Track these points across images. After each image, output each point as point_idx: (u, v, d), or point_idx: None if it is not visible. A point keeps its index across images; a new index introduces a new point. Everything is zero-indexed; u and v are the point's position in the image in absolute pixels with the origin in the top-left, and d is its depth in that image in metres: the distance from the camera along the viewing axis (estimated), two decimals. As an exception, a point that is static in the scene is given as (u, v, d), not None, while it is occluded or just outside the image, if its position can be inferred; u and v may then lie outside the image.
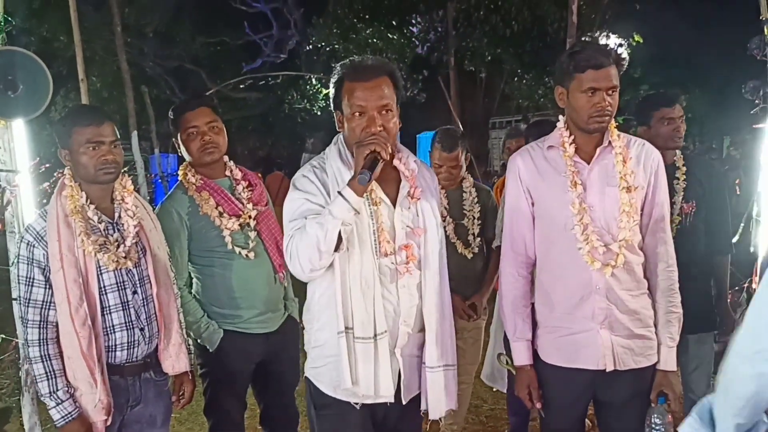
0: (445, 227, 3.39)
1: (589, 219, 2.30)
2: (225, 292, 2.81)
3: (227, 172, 2.94)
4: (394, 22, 15.90)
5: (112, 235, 2.41)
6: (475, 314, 3.47)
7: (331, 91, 2.19)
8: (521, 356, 2.46)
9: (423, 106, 16.12)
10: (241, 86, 17.73)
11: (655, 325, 2.37)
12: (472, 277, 3.55)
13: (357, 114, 2.11)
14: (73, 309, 2.27)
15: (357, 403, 2.16)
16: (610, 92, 2.25)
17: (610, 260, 2.29)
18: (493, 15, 15.43)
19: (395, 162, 2.21)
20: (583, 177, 2.33)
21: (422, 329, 2.21)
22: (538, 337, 2.46)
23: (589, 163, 2.33)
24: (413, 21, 16.34)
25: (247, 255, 2.79)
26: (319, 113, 17.34)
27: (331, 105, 2.22)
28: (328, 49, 15.90)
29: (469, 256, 3.51)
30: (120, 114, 11.52)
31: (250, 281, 2.81)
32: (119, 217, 2.45)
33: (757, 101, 5.02)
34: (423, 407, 2.26)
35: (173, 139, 2.92)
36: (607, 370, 2.32)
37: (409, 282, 2.17)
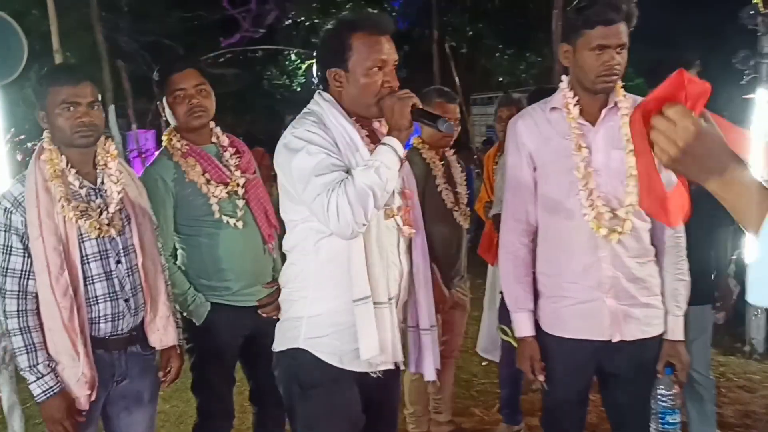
0: (441, 192, 3.31)
1: (594, 183, 2.21)
2: (212, 263, 2.70)
3: (214, 139, 2.81)
4: (374, -3, 15.72)
5: (94, 201, 2.28)
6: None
7: (327, 46, 2.06)
8: (523, 327, 2.38)
9: (403, 81, 15.96)
10: (219, 60, 17.44)
11: (662, 294, 2.30)
12: (463, 249, 3.50)
13: (375, 68, 1.98)
14: (54, 278, 2.14)
15: (375, 373, 2.09)
16: (619, 50, 2.15)
17: (616, 226, 2.20)
18: (475, -11, 15.33)
19: (376, 125, 2.15)
20: (588, 140, 2.23)
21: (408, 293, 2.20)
22: (540, 307, 2.38)
23: (594, 125, 2.24)
24: (394, -5, 16.15)
25: (235, 224, 2.67)
26: (298, 89, 17.14)
27: (320, 62, 2.09)
28: (307, 23, 15.68)
29: (466, 225, 3.44)
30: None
31: (238, 252, 2.70)
32: (102, 182, 2.32)
33: (747, 72, 5.00)
34: (414, 370, 2.27)
35: (157, 103, 2.78)
36: (614, 341, 2.25)
37: (404, 246, 2.13)
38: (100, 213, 2.27)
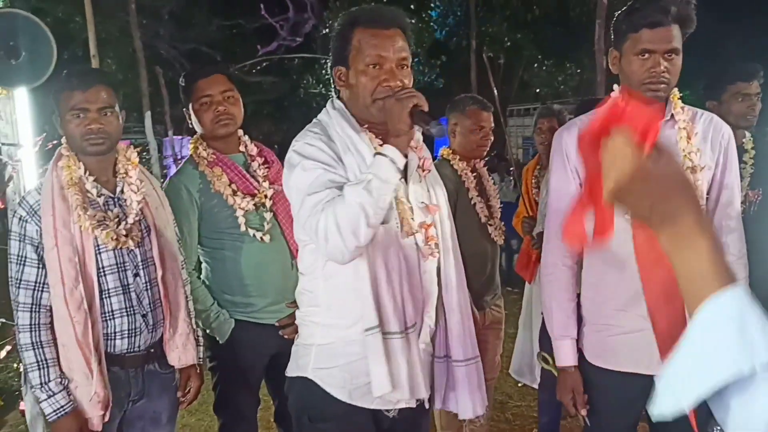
0: (474, 205, 3.15)
1: None
2: (236, 279, 2.56)
3: (242, 147, 2.68)
4: (412, 6, 15.69)
5: (112, 211, 2.18)
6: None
7: (334, 43, 1.89)
8: (565, 356, 2.20)
9: (440, 92, 15.83)
10: (254, 70, 17.54)
11: None
12: (497, 265, 3.33)
13: (372, 66, 1.81)
14: (68, 291, 2.04)
15: (389, 411, 1.89)
16: (668, 55, 1.96)
17: None
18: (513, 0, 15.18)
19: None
20: None
21: (437, 321, 1.97)
22: (584, 335, 2.20)
23: None
24: (432, 5, 16.08)
25: (261, 238, 2.54)
26: (335, 98, 17.12)
27: (331, 62, 1.93)
28: (344, 32, 15.67)
29: (500, 240, 3.28)
30: (134, 95, 11.37)
31: (264, 267, 2.56)
32: (121, 191, 2.22)
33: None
34: (450, 408, 2.02)
35: (184, 110, 2.66)
36: None
37: (430, 267, 1.91)
38: (118, 223, 2.16)
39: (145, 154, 10.20)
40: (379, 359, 1.77)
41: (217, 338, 2.56)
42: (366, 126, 1.88)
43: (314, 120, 1.94)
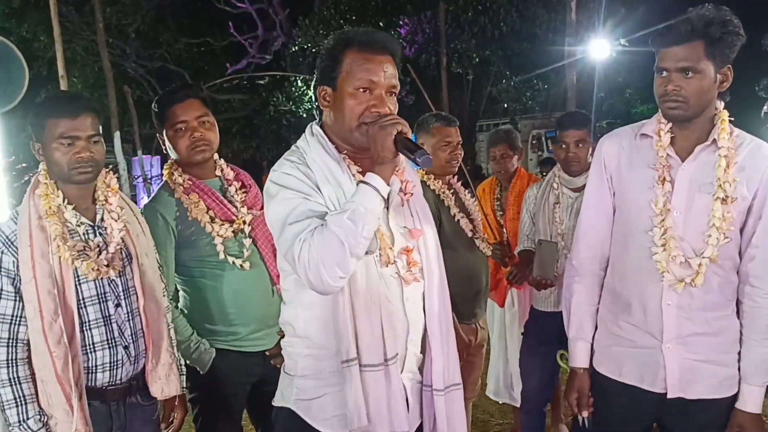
0: (458, 222, 3.15)
1: (671, 223, 2.00)
2: (217, 307, 2.51)
3: (218, 172, 2.63)
4: (381, 24, 15.76)
5: (92, 240, 2.12)
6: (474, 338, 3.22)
7: (323, 62, 1.85)
8: (579, 358, 2.23)
9: (410, 109, 15.90)
10: (225, 86, 17.47)
11: (740, 354, 2.05)
12: (487, 279, 3.33)
13: (362, 90, 1.77)
14: (47, 325, 1.97)
15: None
16: (684, 74, 1.93)
17: (686, 276, 1.99)
18: (482, 17, 15.31)
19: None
20: (673, 175, 2.02)
21: (423, 349, 1.92)
22: (596, 341, 2.23)
23: (683, 161, 2.03)
24: (401, 23, 16.17)
25: (241, 265, 2.49)
26: (304, 115, 17.12)
27: (316, 80, 1.88)
28: (314, 50, 15.69)
29: (489, 252, 3.27)
30: (102, 115, 11.23)
31: (244, 294, 2.51)
32: (102, 219, 2.16)
33: (770, 99, 4.84)
34: None
35: (157, 135, 2.60)
36: (669, 396, 2.05)
37: (414, 294, 1.86)
38: (99, 253, 2.10)
39: (114, 173, 10.06)
40: (357, 392, 1.73)
41: (198, 369, 2.50)
42: (345, 152, 1.85)
43: (293, 147, 1.90)
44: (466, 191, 3.36)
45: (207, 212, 2.49)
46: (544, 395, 3.44)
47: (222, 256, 2.47)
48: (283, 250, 1.74)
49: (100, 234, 2.14)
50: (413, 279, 1.85)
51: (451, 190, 3.22)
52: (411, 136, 1.73)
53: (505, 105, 18.44)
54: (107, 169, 2.26)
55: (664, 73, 1.97)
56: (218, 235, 2.47)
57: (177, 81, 17.70)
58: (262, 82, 18.37)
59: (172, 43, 18.17)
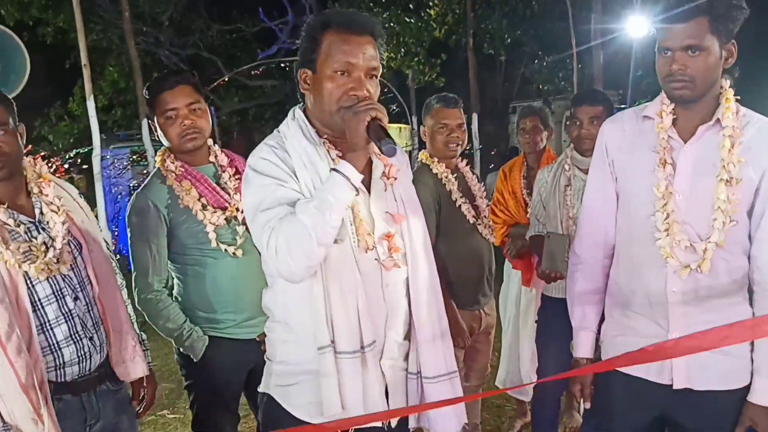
0: (460, 207, 3.09)
1: (673, 206, 1.92)
2: (210, 295, 2.49)
3: (211, 158, 2.60)
4: (410, 5, 15.61)
5: (36, 238, 1.98)
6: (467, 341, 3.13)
7: (303, 44, 1.81)
8: (583, 348, 2.20)
9: (442, 91, 15.72)
10: (254, 72, 17.51)
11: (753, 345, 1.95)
12: (491, 266, 3.25)
13: (340, 72, 1.73)
14: (4, 337, 1.82)
15: None
16: (690, 52, 1.85)
17: (691, 261, 1.91)
18: (512, -4, 15.06)
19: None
20: (675, 157, 1.94)
21: (408, 336, 1.88)
22: (602, 332, 2.18)
23: (685, 142, 1.94)
24: (430, 3, 15.99)
25: (234, 253, 2.46)
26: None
27: (297, 63, 1.84)
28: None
29: (492, 239, 3.21)
30: (135, 104, 11.39)
31: (238, 282, 2.48)
32: (41, 213, 2.03)
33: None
34: (423, 426, 1.95)
35: (149, 122, 2.59)
36: (675, 387, 1.97)
37: (396, 279, 1.82)
38: (47, 251, 1.98)
39: (143, 161, 10.19)
40: (331, 379, 1.71)
41: (191, 356, 2.49)
42: (325, 136, 1.81)
43: (275, 131, 1.88)
44: (474, 175, 3.29)
45: (199, 199, 2.47)
46: (559, 385, 3.37)
47: (214, 243, 2.45)
48: (255, 237, 1.73)
49: (43, 230, 2.01)
50: (393, 265, 1.81)
51: (455, 175, 3.15)
52: (386, 121, 1.68)
53: (539, 86, 18.16)
54: (32, 156, 2.12)
55: (668, 53, 1.88)
56: (210, 222, 2.45)
57: (209, 68, 17.90)
58: (293, 66, 18.40)
59: (205, 31, 18.27)
